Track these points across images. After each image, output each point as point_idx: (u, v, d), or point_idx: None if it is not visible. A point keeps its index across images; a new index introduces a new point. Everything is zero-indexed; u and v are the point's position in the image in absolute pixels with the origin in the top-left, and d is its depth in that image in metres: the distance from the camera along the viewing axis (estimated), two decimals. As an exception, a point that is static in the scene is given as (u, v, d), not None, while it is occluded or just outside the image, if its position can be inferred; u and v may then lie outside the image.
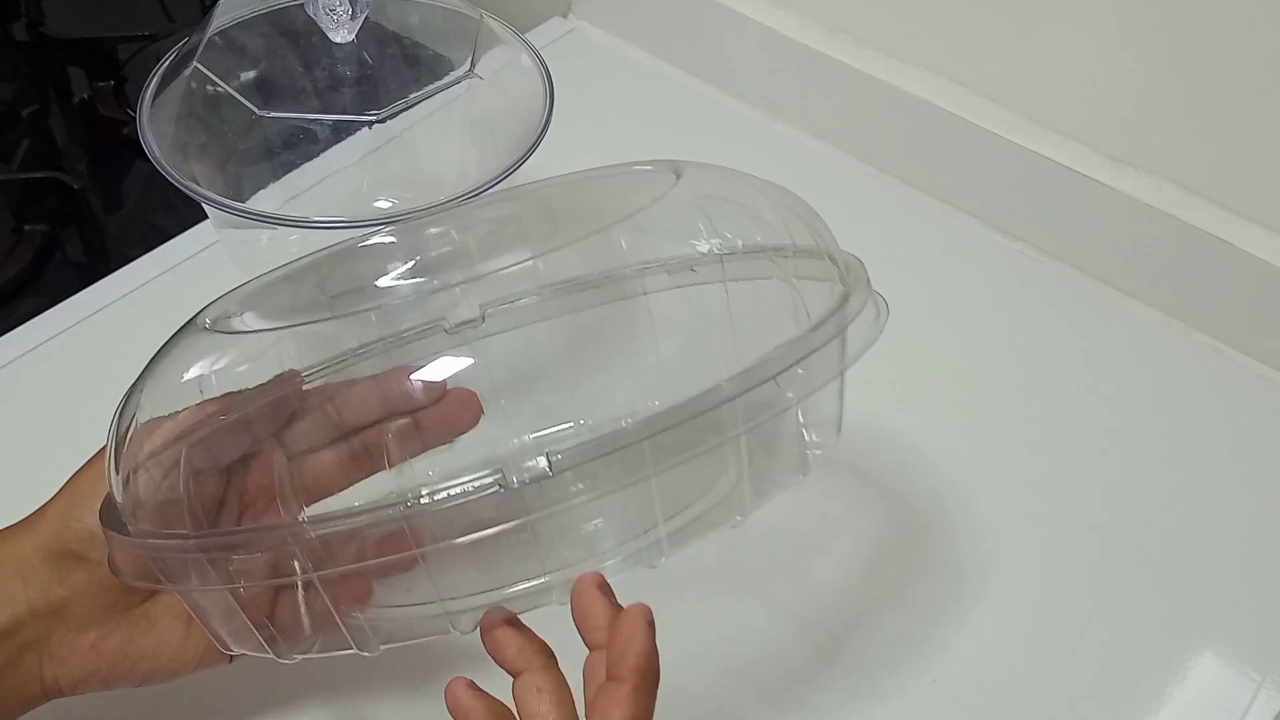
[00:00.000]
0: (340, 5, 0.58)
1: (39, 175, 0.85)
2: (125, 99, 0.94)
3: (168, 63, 0.58)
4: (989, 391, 0.70)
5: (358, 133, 0.61)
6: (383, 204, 0.64)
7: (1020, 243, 0.78)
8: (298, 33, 0.60)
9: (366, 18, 0.59)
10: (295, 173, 0.62)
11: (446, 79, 0.59)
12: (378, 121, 0.58)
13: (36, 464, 0.66)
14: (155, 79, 0.57)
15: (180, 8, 1.02)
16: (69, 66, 0.97)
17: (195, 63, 0.57)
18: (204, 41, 0.58)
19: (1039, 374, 0.71)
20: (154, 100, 0.56)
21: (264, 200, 0.62)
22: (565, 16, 0.93)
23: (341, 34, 0.59)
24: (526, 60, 0.59)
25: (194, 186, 0.53)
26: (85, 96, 0.92)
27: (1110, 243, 0.74)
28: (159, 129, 0.55)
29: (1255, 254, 0.68)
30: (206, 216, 0.58)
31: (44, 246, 0.83)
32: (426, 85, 0.59)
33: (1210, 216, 0.70)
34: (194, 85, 0.58)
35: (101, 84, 0.94)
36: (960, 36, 0.76)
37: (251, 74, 0.60)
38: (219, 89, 0.58)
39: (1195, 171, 0.70)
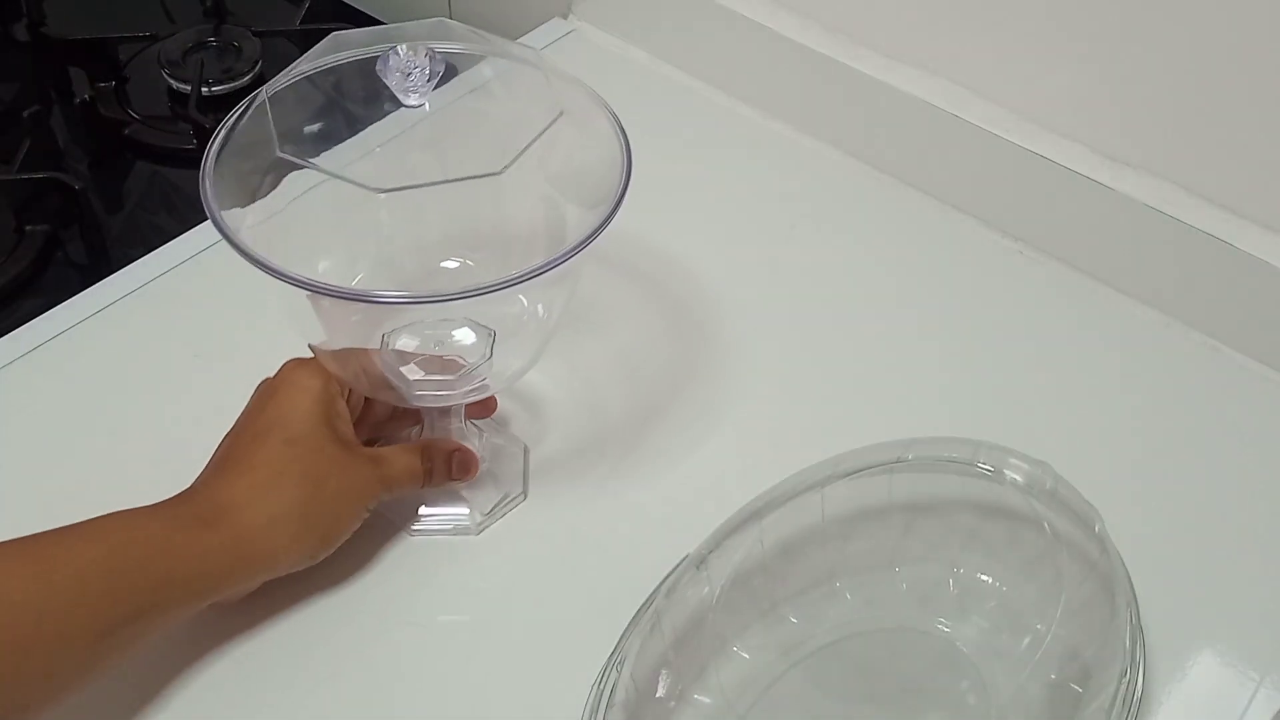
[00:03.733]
0: (416, 70, 0.55)
1: (40, 176, 0.85)
2: (126, 99, 0.95)
3: (234, 120, 0.56)
4: (988, 391, 0.70)
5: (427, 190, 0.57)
6: (450, 264, 0.63)
7: (1020, 243, 0.78)
8: (363, 92, 0.58)
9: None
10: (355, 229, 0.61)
11: (522, 144, 0.55)
12: (452, 181, 0.55)
13: (38, 464, 0.66)
14: (220, 137, 0.55)
15: (180, 8, 1.03)
16: (70, 67, 0.97)
17: (273, 136, 0.55)
18: (270, 99, 0.56)
19: (1037, 373, 0.71)
20: (218, 158, 0.55)
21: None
22: (565, 17, 0.93)
23: (414, 98, 0.56)
24: (604, 122, 0.57)
25: (270, 262, 0.51)
26: (86, 97, 0.92)
27: (1109, 243, 0.74)
28: (222, 191, 0.54)
29: (1254, 254, 0.68)
30: (206, 218, 0.57)
31: (45, 247, 0.83)
32: (502, 147, 0.55)
33: (1209, 216, 0.70)
34: (260, 149, 0.55)
35: (103, 85, 0.94)
36: (960, 37, 0.76)
37: (318, 134, 0.58)
38: (290, 160, 0.55)
39: (1194, 171, 0.71)
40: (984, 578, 0.59)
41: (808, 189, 0.82)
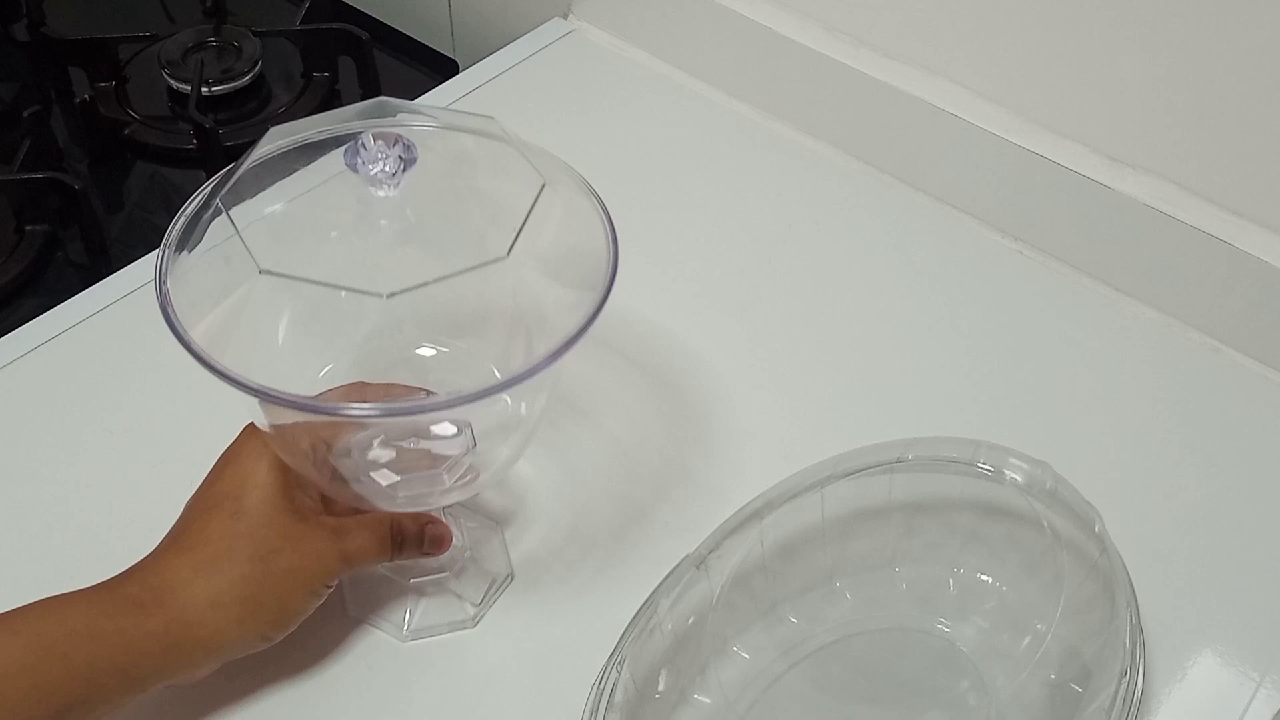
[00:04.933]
0: (385, 161, 0.52)
1: (40, 176, 0.85)
2: (126, 100, 0.95)
3: (191, 207, 0.53)
4: (988, 391, 0.70)
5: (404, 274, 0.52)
6: (425, 351, 0.59)
7: (1020, 243, 0.78)
8: (335, 180, 0.54)
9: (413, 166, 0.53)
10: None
11: (490, 256, 0.51)
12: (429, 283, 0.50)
13: (38, 464, 0.66)
14: (177, 227, 0.52)
15: (180, 8, 1.03)
16: (70, 67, 0.97)
17: (226, 213, 0.52)
18: (228, 186, 0.53)
19: (1038, 373, 0.71)
20: (178, 250, 0.52)
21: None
22: (565, 17, 0.93)
23: (385, 190, 0.53)
24: (585, 203, 0.54)
25: (233, 373, 0.48)
26: (86, 97, 0.92)
27: (1109, 243, 0.74)
28: (182, 290, 0.51)
29: (1254, 254, 0.68)
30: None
31: (45, 247, 0.83)
32: (478, 237, 0.52)
33: (1209, 216, 0.70)
34: (223, 253, 0.52)
35: (103, 85, 0.95)
36: (959, 37, 0.76)
37: (282, 228, 0.54)
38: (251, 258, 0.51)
39: (1195, 171, 0.71)
40: (984, 578, 0.59)
41: (808, 189, 0.82)
